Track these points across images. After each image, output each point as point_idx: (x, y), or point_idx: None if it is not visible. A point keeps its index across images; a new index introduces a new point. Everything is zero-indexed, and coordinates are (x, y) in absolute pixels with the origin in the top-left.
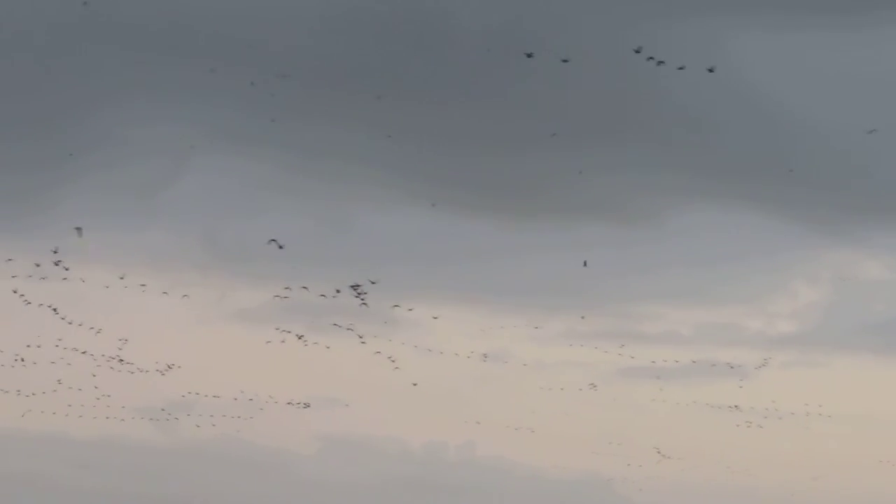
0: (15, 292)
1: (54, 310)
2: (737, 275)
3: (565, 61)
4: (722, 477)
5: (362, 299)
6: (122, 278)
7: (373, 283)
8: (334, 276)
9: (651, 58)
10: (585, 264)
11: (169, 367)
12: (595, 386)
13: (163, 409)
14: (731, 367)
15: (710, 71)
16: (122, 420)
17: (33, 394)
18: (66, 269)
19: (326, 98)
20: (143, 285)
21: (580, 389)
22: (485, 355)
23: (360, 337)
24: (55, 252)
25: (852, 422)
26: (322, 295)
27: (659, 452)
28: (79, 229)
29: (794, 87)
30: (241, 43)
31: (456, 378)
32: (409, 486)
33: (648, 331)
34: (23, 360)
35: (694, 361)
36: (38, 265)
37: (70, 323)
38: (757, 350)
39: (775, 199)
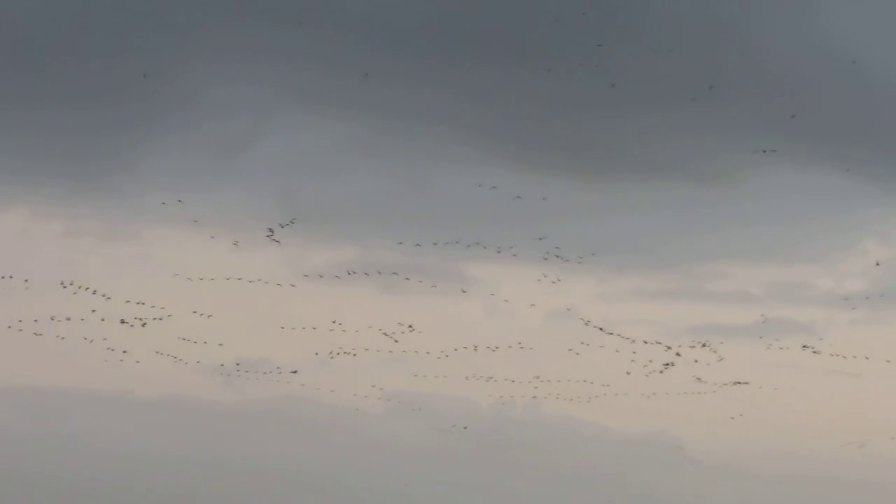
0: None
1: (127, 266)
2: (808, 233)
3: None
4: (796, 437)
5: None
6: (211, 238)
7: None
8: (413, 235)
9: None
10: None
11: (241, 325)
12: (662, 344)
13: (232, 368)
14: (801, 325)
15: None
16: (190, 379)
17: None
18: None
19: (409, 59)
20: (214, 237)
21: (648, 348)
22: (553, 313)
23: (434, 291)
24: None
25: None
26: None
27: (728, 411)
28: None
29: (874, 47)
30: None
31: (524, 336)
32: (475, 444)
33: (718, 289)
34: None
35: (763, 320)
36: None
37: (145, 280)
38: (827, 308)
39: (851, 157)
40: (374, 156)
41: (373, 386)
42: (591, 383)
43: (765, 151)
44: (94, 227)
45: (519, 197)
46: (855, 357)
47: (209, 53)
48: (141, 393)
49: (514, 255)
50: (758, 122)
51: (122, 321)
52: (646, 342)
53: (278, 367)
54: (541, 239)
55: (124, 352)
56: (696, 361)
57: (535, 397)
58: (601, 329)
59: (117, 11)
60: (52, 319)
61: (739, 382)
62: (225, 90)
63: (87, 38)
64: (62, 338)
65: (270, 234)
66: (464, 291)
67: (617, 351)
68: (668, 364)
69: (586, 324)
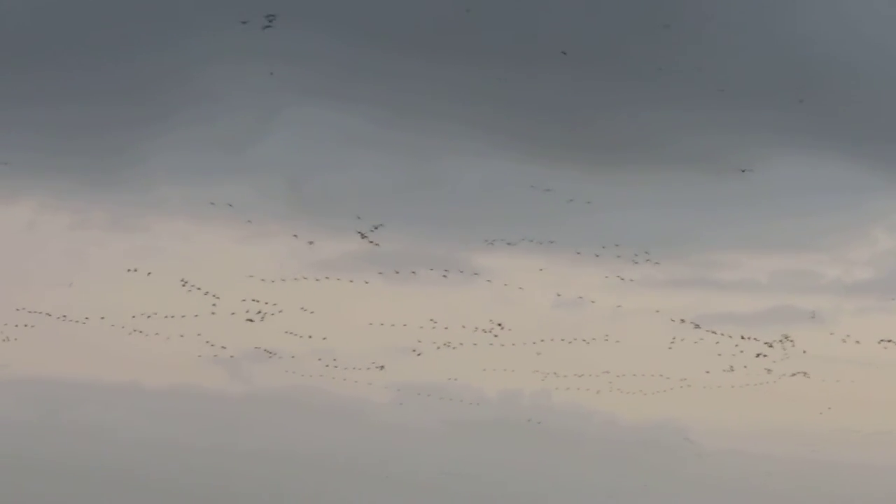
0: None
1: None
2: (816, 222)
3: None
4: (802, 423)
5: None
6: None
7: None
8: (419, 227)
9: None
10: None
11: (249, 316)
12: (672, 334)
13: (240, 358)
14: (809, 314)
15: None
16: (197, 369)
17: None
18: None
19: (417, 54)
20: (224, 234)
21: (658, 337)
22: (563, 303)
23: (442, 279)
24: None
25: None
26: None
27: (735, 399)
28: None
29: (885, 42)
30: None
31: (533, 326)
32: (484, 432)
33: (726, 278)
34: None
35: (771, 308)
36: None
37: (153, 273)
38: (834, 297)
39: (859, 148)
40: (380, 149)
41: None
42: (600, 372)
43: (743, 171)
44: (102, 217)
45: (572, 200)
46: (861, 343)
47: (218, 51)
48: (148, 384)
49: (525, 246)
50: (770, 112)
51: (247, 317)
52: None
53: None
54: (551, 229)
55: (223, 347)
56: (704, 350)
57: (544, 386)
58: (697, 326)
59: (126, 11)
60: (167, 318)
61: (745, 371)
62: (233, 87)
63: (97, 38)
64: (158, 334)
65: (363, 237)
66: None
67: (626, 340)
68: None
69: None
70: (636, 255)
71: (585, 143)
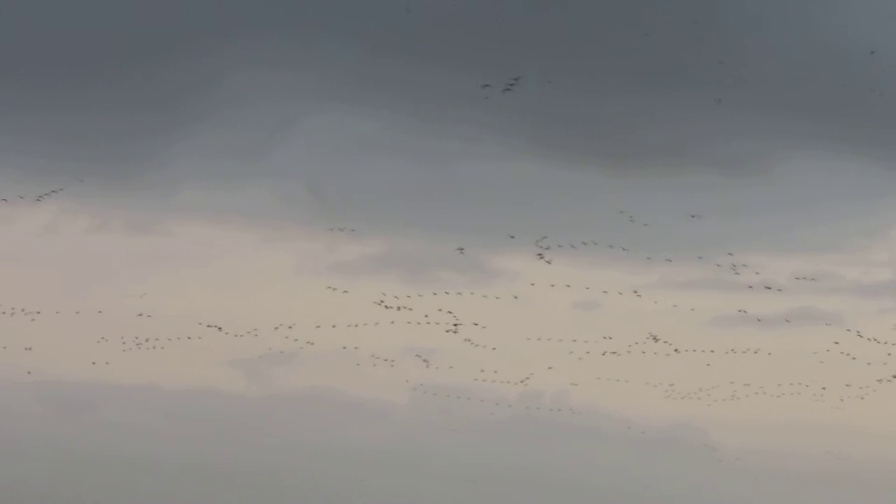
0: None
1: (157, 262)
2: (834, 222)
3: None
4: (824, 423)
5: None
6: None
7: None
8: (435, 231)
9: None
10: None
11: (266, 319)
12: (690, 335)
13: (257, 360)
14: (828, 315)
15: None
16: (215, 371)
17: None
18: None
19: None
20: (244, 238)
21: (675, 339)
22: (580, 305)
23: (457, 291)
24: None
25: None
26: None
27: (754, 402)
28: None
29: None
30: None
31: (550, 327)
32: (504, 432)
33: (745, 279)
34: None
35: (791, 309)
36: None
37: (175, 274)
38: (854, 298)
39: (879, 152)
40: (399, 152)
41: (396, 378)
42: (617, 374)
43: (692, 216)
44: (122, 222)
45: (622, 212)
46: (882, 343)
47: (239, 60)
48: (167, 386)
49: (541, 246)
50: (787, 109)
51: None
52: (673, 332)
53: (302, 361)
54: (567, 228)
55: (386, 360)
56: (723, 351)
57: (562, 388)
58: (628, 319)
59: (150, 22)
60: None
61: (764, 371)
62: (254, 94)
63: (121, 49)
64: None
65: (541, 257)
66: (487, 284)
67: (644, 342)
68: (694, 354)
69: (612, 314)
70: (650, 254)
71: (602, 136)
